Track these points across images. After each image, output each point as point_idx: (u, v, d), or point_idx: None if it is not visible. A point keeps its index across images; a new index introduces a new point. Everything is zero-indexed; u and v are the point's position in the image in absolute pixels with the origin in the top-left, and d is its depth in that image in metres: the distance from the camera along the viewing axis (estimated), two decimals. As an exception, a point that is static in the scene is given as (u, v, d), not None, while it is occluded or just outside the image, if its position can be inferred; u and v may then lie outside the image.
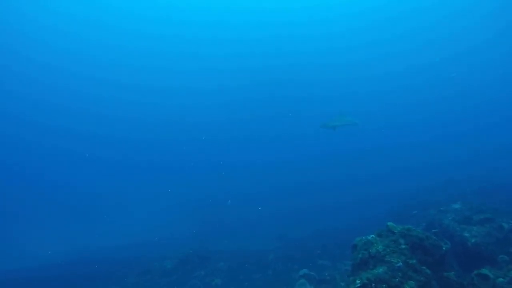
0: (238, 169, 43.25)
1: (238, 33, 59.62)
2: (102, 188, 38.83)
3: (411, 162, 37.56)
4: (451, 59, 63.60)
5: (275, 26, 59.48)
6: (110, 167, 48.15)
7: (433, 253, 7.39)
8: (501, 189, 16.45)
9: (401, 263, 6.79)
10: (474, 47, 62.49)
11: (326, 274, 12.93)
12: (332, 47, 63.19)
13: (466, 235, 8.97)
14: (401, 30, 62.31)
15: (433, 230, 8.24)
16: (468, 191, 18.56)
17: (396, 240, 7.49)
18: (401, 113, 60.78)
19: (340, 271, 13.11)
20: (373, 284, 6.47)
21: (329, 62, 63.40)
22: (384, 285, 6.29)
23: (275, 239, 21.54)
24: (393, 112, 60.61)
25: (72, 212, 30.24)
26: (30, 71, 53.74)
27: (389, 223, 8.03)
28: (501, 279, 6.82)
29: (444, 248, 7.67)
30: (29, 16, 48.19)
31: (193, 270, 15.21)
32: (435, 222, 11.26)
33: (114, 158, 50.52)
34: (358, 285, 6.48)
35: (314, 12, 58.67)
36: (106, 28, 54.87)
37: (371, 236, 7.88)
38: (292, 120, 51.27)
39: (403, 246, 7.29)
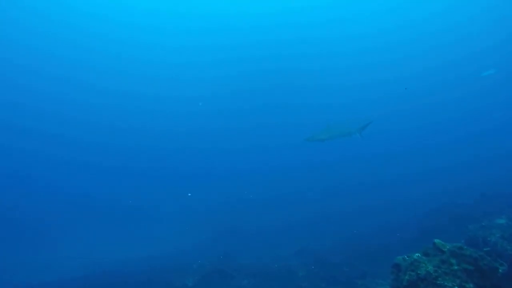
0: (249, 176, 42.60)
1: (233, 39, 59.25)
2: (115, 200, 38.32)
3: (428, 170, 36.12)
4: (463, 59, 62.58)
5: (273, 29, 58.99)
6: (121, 179, 47.49)
7: (489, 276, 6.56)
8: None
9: (456, 287, 6.01)
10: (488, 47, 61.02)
11: (359, 294, 12.07)
12: (334, 51, 62.25)
13: (521, 254, 8.09)
14: (411, 34, 61.70)
15: (484, 249, 7.40)
16: (504, 204, 17.41)
17: (447, 260, 6.70)
18: (413, 116, 59.06)
19: (373, 291, 12.22)
20: (426, 311, 5.72)
21: (333, 66, 62.50)
22: (441, 313, 5.54)
23: (296, 253, 20.68)
24: (405, 116, 59.01)
25: (85, 226, 29.91)
26: (42, 84, 54.46)
27: (436, 240, 7.25)
28: None
29: (500, 270, 6.84)
30: (21, 21, 48.44)
31: None
32: (478, 239, 10.34)
33: (126, 169, 50.02)
34: (410, 312, 5.74)
35: (316, 14, 58.31)
36: (100, 34, 54.97)
37: (417, 254, 7.11)
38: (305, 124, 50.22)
39: (456, 267, 6.51)
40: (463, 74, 61.58)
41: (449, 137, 50.50)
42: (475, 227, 11.45)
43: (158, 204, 36.06)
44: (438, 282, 6.16)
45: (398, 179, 32.93)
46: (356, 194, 29.24)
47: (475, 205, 18.68)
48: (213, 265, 17.08)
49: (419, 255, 7.08)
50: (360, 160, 41.75)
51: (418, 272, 6.48)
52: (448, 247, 7.00)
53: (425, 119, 57.72)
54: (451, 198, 23.82)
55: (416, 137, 52.80)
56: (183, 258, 20.82)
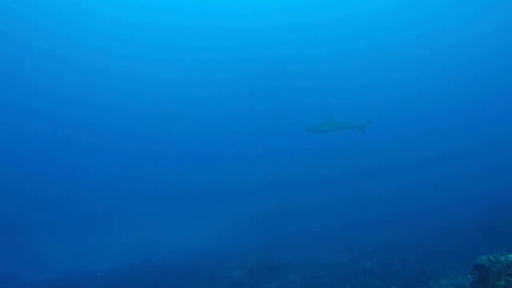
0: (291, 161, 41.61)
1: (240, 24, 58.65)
2: (159, 194, 38.42)
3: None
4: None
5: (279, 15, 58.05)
6: (167, 174, 47.41)
7: None
8: None
9: None
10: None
11: (420, 295, 10.98)
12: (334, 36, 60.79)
13: None
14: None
15: None
16: None
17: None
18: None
19: (436, 292, 11.05)
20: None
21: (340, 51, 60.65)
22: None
23: (345, 250, 19.70)
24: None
25: (131, 220, 30.22)
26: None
27: (534, 240, 6.12)
28: None
29: None
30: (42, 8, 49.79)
31: (263, 281, 13.96)
32: None
33: (171, 165, 50.16)
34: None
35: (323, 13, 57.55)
36: (116, 20, 55.79)
37: (510, 255, 6.03)
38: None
39: None
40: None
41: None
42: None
43: (198, 193, 35.99)
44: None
45: (453, 173, 30.79)
46: (411, 194, 27.52)
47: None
48: (258, 258, 16.53)
49: (512, 256, 6.00)
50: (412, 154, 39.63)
51: (518, 276, 5.44)
52: (550, 247, 5.87)
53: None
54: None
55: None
56: (225, 250, 20.39)
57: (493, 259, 6.30)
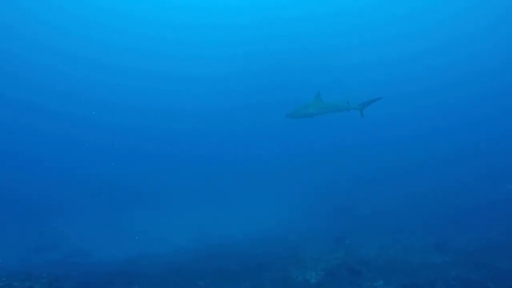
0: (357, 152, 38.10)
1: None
2: (223, 179, 36.56)
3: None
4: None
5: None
6: (226, 159, 45.79)
7: None
8: None
9: None
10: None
11: None
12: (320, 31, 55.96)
13: None
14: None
15: None
16: None
17: None
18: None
19: None
20: None
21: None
22: None
23: (434, 249, 16.03)
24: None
25: (192, 202, 28.85)
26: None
27: None
28: None
29: None
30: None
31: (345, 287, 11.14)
32: None
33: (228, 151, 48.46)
34: None
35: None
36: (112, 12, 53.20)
37: None
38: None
39: None
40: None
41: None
42: None
43: (263, 183, 33.66)
44: None
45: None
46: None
47: None
48: (335, 258, 13.71)
49: None
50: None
51: None
52: None
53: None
54: None
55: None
56: (294, 244, 17.46)
57: None
